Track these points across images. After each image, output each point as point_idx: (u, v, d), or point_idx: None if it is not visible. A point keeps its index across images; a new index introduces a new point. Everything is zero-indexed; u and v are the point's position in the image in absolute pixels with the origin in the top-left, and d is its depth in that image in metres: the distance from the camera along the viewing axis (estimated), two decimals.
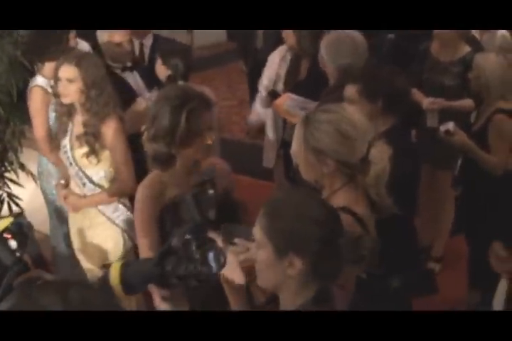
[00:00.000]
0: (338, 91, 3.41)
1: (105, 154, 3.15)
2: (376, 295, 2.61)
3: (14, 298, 1.16)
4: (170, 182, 2.53)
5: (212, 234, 1.87)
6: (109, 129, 3.12)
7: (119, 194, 3.15)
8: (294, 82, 4.06)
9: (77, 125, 3.19)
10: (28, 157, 4.02)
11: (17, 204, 4.05)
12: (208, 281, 1.85)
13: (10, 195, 4.00)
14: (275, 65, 4.15)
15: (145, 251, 2.47)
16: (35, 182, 3.97)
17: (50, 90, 3.44)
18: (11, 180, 3.99)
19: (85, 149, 3.13)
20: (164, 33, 4.35)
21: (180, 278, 1.82)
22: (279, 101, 3.93)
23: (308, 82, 3.95)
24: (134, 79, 3.90)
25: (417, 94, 3.90)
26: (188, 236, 1.84)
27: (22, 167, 4.02)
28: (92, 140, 3.11)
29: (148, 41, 4.31)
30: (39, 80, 3.54)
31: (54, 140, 3.43)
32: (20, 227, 1.70)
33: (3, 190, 4.00)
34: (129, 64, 3.92)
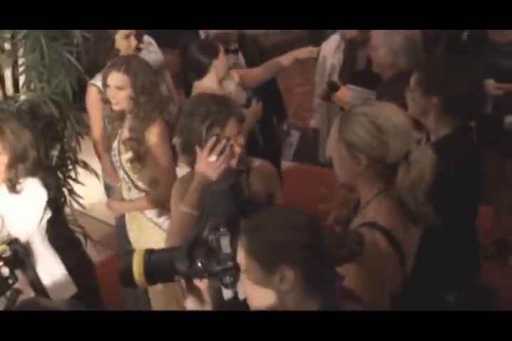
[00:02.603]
0: (395, 84, 3.25)
1: (150, 159, 3.11)
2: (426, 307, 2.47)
3: None
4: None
5: None
6: (154, 134, 3.08)
7: (158, 201, 3.11)
8: (350, 73, 3.89)
9: (125, 129, 3.18)
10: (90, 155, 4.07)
11: (78, 203, 4.11)
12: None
13: (71, 193, 4.06)
14: (329, 54, 4.00)
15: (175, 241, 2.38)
16: (99, 180, 4.04)
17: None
18: (71, 178, 4.04)
19: (130, 154, 3.12)
20: None
21: (212, 273, 1.75)
22: (340, 93, 3.76)
23: (366, 72, 3.77)
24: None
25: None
26: (222, 229, 1.76)
27: (85, 165, 4.08)
28: (137, 145, 3.08)
29: None
30: (96, 79, 3.54)
31: (106, 142, 3.44)
32: (16, 254, 1.68)
33: (66, 188, 4.06)
34: None
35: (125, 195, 3.27)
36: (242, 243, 1.61)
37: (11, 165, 2.77)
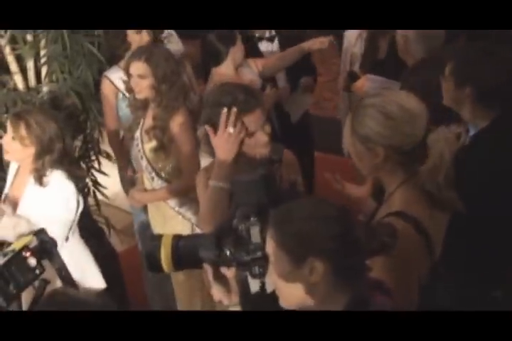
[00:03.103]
0: (420, 72, 3.22)
1: (173, 148, 3.11)
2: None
3: None
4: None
5: None
6: (177, 123, 3.08)
7: (182, 190, 3.12)
8: (372, 62, 3.86)
9: (148, 118, 3.19)
10: None
11: (102, 193, 4.14)
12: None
13: (95, 183, 4.08)
14: (351, 44, 3.98)
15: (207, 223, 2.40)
16: None
17: (116, 82, 3.45)
18: (95, 168, 4.06)
19: (154, 143, 3.12)
20: None
21: (241, 263, 1.74)
22: (359, 83, 3.75)
23: (388, 61, 3.75)
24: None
25: None
26: (253, 219, 1.73)
27: (108, 156, 4.10)
28: (160, 134, 3.09)
29: None
30: (110, 71, 3.56)
31: (126, 132, 3.44)
32: (43, 244, 1.69)
33: (89, 178, 4.09)
34: None
35: (147, 185, 3.27)
36: (271, 234, 1.60)
37: (38, 156, 2.79)
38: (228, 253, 1.73)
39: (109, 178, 4.08)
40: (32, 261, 1.69)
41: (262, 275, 1.72)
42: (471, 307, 2.42)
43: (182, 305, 3.32)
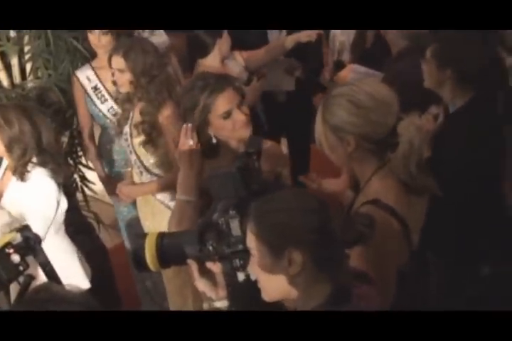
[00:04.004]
0: (402, 60, 3.23)
1: (162, 142, 3.11)
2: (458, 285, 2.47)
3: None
4: (214, 165, 2.48)
5: None
6: (165, 116, 3.08)
7: (170, 183, 3.11)
8: (361, 51, 3.87)
9: (136, 113, 3.18)
10: None
11: (90, 189, 4.13)
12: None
13: (83, 179, 4.07)
14: (338, 32, 3.98)
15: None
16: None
17: (83, 81, 3.52)
18: (82, 164, 4.05)
19: (142, 138, 3.12)
20: None
21: (222, 256, 1.75)
22: (342, 73, 3.75)
23: (373, 50, 3.76)
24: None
25: None
26: (232, 212, 1.74)
27: None
28: (149, 128, 3.09)
29: None
30: (80, 69, 3.58)
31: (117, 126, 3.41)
32: (27, 241, 1.69)
33: (77, 174, 4.08)
34: None
35: (136, 179, 3.27)
36: (251, 226, 1.61)
37: (12, 153, 2.78)
38: (211, 247, 1.74)
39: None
40: (15, 258, 1.69)
41: (243, 268, 1.73)
42: (461, 288, 2.47)
43: (173, 298, 3.32)
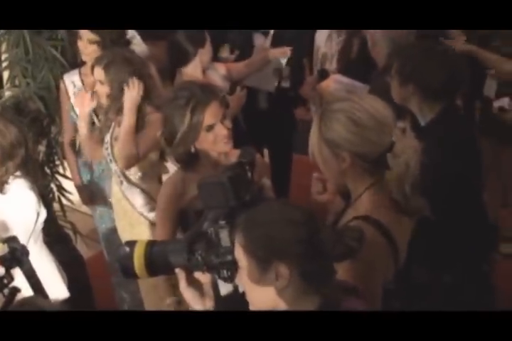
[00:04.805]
0: (386, 74, 3.25)
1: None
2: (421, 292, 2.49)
3: None
4: (196, 179, 2.46)
5: None
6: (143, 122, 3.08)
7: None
8: (346, 62, 3.89)
9: (117, 124, 3.16)
10: None
11: (67, 198, 4.09)
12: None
13: (59, 188, 4.03)
14: (321, 44, 4.01)
15: None
16: None
17: (68, 86, 3.48)
18: (59, 173, 4.01)
19: None
20: None
21: (210, 267, 1.73)
22: (325, 83, 3.76)
23: (358, 62, 3.78)
24: None
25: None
26: (221, 222, 1.73)
27: None
28: None
29: None
30: (68, 74, 3.55)
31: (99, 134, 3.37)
32: (13, 252, 1.65)
33: (54, 183, 4.03)
34: None
35: (115, 189, 3.25)
36: (239, 238, 1.60)
37: (0, 163, 2.73)
38: (199, 257, 1.73)
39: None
40: (0, 270, 1.65)
41: (230, 279, 1.72)
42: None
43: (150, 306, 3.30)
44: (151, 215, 3.15)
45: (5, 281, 1.66)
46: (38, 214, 2.78)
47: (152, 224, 3.14)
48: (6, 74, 3.72)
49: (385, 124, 1.94)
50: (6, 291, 1.66)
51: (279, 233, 1.55)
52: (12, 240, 1.71)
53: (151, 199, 3.15)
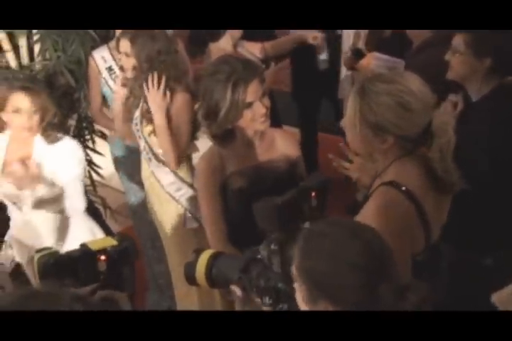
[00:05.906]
0: (425, 51, 3.16)
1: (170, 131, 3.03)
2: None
3: None
4: (231, 156, 2.43)
5: None
6: (173, 104, 3.01)
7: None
8: (378, 40, 3.79)
9: (144, 101, 3.10)
10: None
11: (97, 173, 4.08)
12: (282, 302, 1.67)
13: (90, 163, 4.02)
14: None
15: (209, 223, 2.46)
16: None
17: (98, 61, 3.41)
18: (90, 148, 4.00)
19: (151, 127, 3.05)
20: None
21: (258, 291, 1.69)
22: (365, 61, 3.66)
23: (393, 39, 3.68)
24: None
25: None
26: (273, 247, 1.68)
27: (103, 135, 4.02)
28: None
29: None
30: (97, 50, 3.49)
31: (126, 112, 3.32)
32: (125, 251, 1.55)
33: (85, 158, 4.01)
34: None
35: (145, 165, 3.21)
36: (295, 256, 1.49)
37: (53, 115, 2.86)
38: (249, 279, 1.70)
39: (105, 158, 4.01)
40: (102, 266, 1.56)
41: (272, 307, 1.67)
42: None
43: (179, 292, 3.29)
44: (178, 194, 3.12)
45: (101, 277, 1.55)
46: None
47: (178, 203, 3.13)
48: (37, 48, 3.69)
49: (428, 104, 1.91)
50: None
51: (336, 273, 1.41)
52: (126, 238, 1.61)
53: (178, 179, 3.11)
